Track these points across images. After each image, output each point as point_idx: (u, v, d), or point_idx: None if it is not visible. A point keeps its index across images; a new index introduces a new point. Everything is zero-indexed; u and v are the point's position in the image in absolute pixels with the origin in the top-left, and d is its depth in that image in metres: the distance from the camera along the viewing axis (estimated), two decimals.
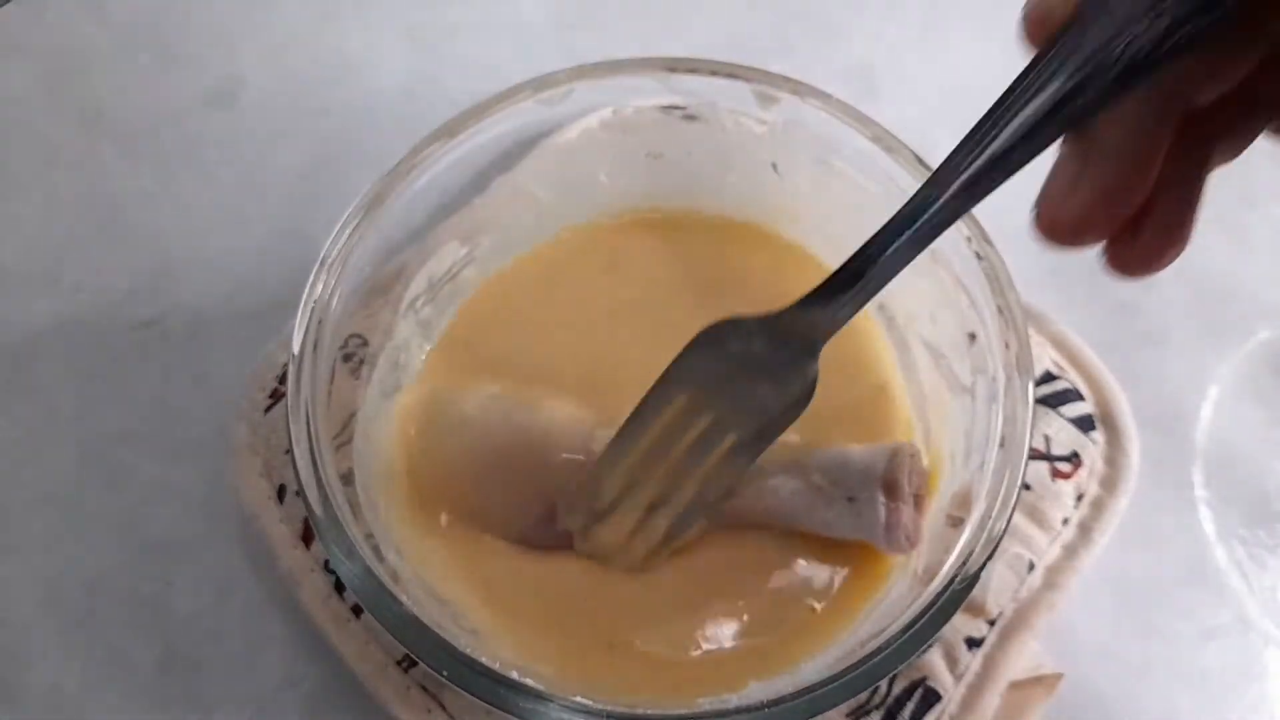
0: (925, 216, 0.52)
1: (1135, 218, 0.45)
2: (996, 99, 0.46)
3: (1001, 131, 0.46)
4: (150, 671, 0.70)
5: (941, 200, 0.51)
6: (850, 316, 0.57)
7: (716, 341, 0.61)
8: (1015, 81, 0.45)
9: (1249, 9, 0.39)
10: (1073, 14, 0.42)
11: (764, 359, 0.60)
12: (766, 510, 0.66)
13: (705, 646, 0.65)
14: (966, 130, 0.47)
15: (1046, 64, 0.44)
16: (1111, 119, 0.43)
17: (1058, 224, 0.46)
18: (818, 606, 0.66)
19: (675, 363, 0.62)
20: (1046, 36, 0.44)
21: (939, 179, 0.50)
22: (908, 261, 0.55)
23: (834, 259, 0.72)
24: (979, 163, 0.48)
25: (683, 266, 0.76)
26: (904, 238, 0.53)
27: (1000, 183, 0.48)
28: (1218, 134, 0.45)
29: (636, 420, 0.63)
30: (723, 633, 0.65)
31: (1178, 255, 0.46)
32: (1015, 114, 0.45)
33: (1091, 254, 0.79)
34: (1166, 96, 0.43)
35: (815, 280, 0.65)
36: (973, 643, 0.69)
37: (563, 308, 0.75)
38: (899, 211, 0.53)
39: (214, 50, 0.94)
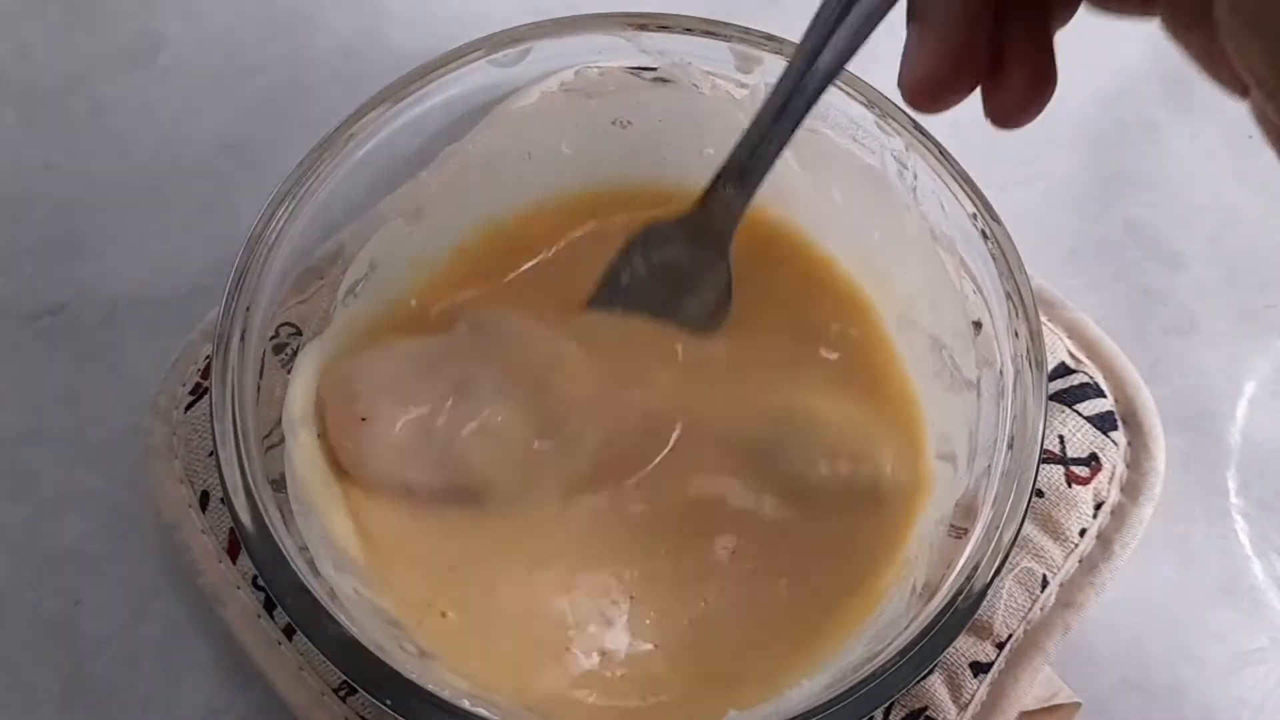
0: (796, 89, 0.62)
1: (998, 71, 0.54)
2: None
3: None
4: (55, 700, 0.71)
5: (809, 69, 0.61)
6: (752, 194, 0.67)
7: (640, 252, 0.72)
8: None
9: None
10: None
11: (683, 263, 0.72)
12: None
13: (679, 673, 0.65)
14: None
15: None
16: None
17: (915, 88, 0.54)
18: (804, 625, 0.66)
19: (601, 279, 0.73)
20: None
21: (802, 50, 0.61)
22: (790, 134, 0.64)
23: (825, 238, 0.73)
24: (838, 29, 0.58)
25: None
26: (783, 112, 0.63)
27: (858, 44, 0.59)
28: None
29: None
30: (699, 659, 0.66)
31: (1045, 103, 0.55)
32: None
33: (1111, 234, 0.80)
34: None
35: (807, 264, 0.66)
36: (979, 668, 0.69)
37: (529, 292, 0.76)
38: (772, 91, 0.63)
39: (129, 2, 0.94)
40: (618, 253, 0.72)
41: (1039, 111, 0.55)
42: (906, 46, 0.54)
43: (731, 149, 0.66)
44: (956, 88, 0.54)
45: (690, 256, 0.71)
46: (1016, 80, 0.54)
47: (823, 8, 0.58)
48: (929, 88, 0.53)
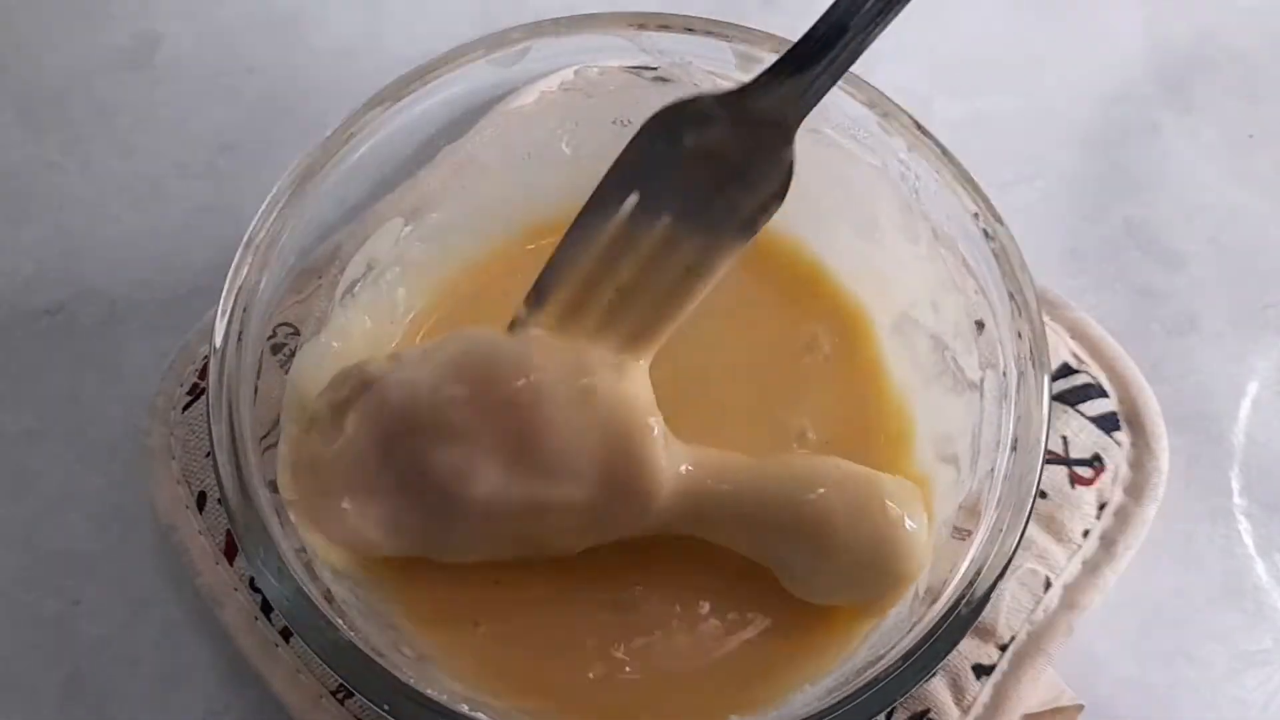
0: None
1: None
2: None
3: None
4: (54, 700, 0.71)
5: None
6: (830, 85, 0.58)
7: (668, 133, 0.61)
8: None
9: None
10: None
11: (727, 150, 0.61)
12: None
13: (682, 674, 0.65)
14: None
15: None
16: None
17: None
18: (806, 629, 0.66)
19: (620, 160, 0.62)
20: None
21: None
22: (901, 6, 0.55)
23: (824, 243, 0.72)
24: None
25: None
26: None
27: None
28: None
29: (583, 223, 0.64)
30: (700, 659, 0.65)
31: None
32: None
33: (1112, 234, 0.80)
34: None
35: (806, 265, 0.65)
36: (982, 670, 0.69)
37: None
38: None
39: (128, 1, 0.94)
40: (636, 134, 0.62)
41: None
42: None
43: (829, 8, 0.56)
44: None
45: (739, 141, 0.61)
46: None
47: None
48: None
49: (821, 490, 0.64)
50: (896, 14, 0.55)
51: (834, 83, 0.58)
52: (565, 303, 0.64)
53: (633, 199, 0.62)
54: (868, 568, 0.64)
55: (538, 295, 0.64)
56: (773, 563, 0.66)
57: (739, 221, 0.63)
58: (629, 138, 0.65)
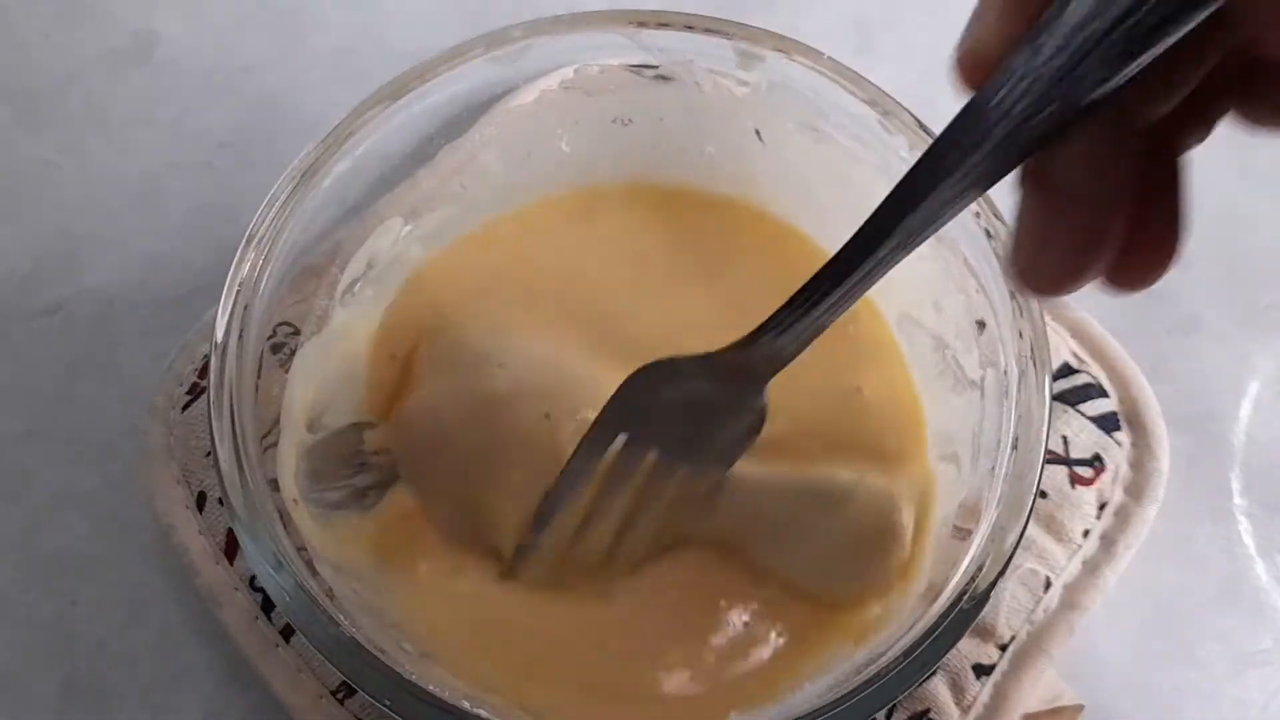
0: (870, 259, 0.53)
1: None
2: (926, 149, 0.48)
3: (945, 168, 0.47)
4: (51, 703, 0.71)
5: (892, 232, 0.51)
6: (799, 352, 0.60)
7: (649, 387, 0.64)
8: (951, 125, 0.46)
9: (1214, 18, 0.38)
10: (1008, 47, 0.42)
11: (704, 399, 0.64)
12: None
13: (680, 672, 0.65)
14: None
15: (984, 103, 0.44)
16: (1071, 155, 0.43)
17: (1043, 279, 0.46)
18: (807, 627, 0.66)
19: (607, 408, 0.65)
20: (983, 77, 0.44)
21: (881, 219, 0.51)
22: (860, 294, 0.56)
23: (823, 236, 0.72)
24: (921, 209, 0.49)
25: (660, 243, 0.76)
26: (858, 271, 0.54)
27: (944, 220, 0.49)
28: (1181, 131, 0.45)
29: (577, 463, 0.66)
30: (699, 657, 0.65)
31: (1179, 255, 0.45)
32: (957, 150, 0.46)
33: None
34: (1127, 117, 0.43)
35: (803, 260, 0.65)
36: (982, 670, 0.69)
37: (523, 286, 0.75)
38: (844, 247, 0.54)
39: (126, 0, 0.94)
40: (621, 387, 0.64)
41: (1167, 272, 0.45)
42: (1025, 225, 0.46)
43: (801, 287, 0.56)
44: (1097, 269, 0.45)
45: (716, 393, 0.64)
46: (1147, 241, 0.44)
47: (916, 170, 0.48)
48: (1064, 276, 0.45)
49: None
50: (863, 293, 0.56)
51: (804, 349, 0.60)
52: (567, 534, 0.68)
53: (621, 439, 0.65)
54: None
55: (540, 524, 0.67)
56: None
57: (717, 455, 0.67)
58: (629, 139, 0.65)
